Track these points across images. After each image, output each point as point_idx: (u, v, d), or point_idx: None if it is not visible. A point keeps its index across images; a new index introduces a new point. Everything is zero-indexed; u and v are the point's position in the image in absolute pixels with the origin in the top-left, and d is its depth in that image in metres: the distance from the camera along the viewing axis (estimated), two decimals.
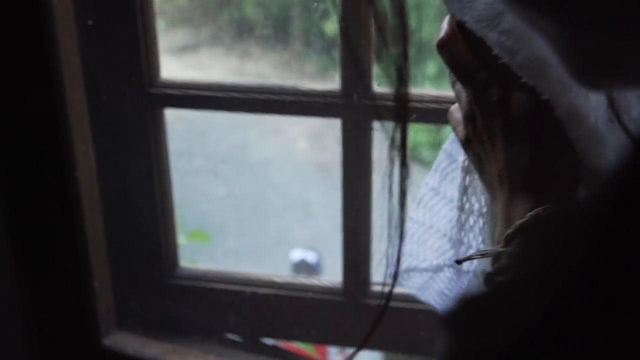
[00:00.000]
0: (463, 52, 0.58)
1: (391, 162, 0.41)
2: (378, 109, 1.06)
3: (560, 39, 0.32)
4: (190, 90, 1.15)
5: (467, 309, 0.32)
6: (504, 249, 0.58)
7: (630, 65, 0.31)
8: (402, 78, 0.40)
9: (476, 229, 0.72)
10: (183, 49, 5.02)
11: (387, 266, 0.51)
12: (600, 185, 0.35)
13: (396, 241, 0.47)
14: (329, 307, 1.19)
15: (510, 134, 0.58)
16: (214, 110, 1.17)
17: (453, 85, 0.65)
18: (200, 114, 1.23)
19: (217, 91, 1.14)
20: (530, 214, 0.56)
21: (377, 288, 1.19)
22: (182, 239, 2.22)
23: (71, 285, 1.20)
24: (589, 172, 0.59)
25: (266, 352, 1.23)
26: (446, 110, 1.06)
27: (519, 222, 0.56)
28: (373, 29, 0.40)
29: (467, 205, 0.71)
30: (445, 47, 0.60)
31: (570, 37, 0.32)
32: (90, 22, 1.12)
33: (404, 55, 0.39)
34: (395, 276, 0.53)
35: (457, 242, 0.74)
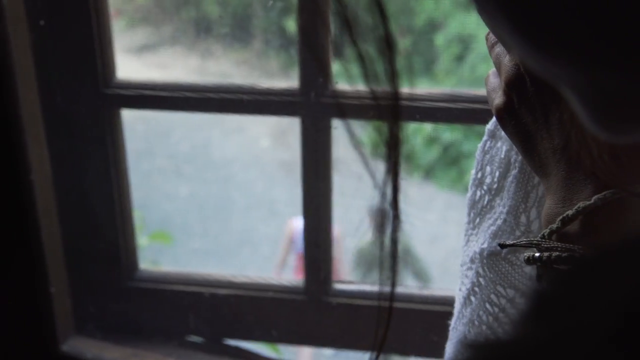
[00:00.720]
0: None
1: (383, 216, 0.38)
2: (340, 109, 1.05)
3: (579, 85, 0.31)
4: (147, 90, 1.14)
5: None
6: (557, 230, 0.54)
7: None
8: (392, 81, 0.36)
9: (479, 206, 0.67)
10: (144, 49, 4.97)
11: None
12: None
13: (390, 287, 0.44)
14: (290, 306, 1.19)
15: (570, 105, 0.54)
16: (171, 111, 1.16)
17: (492, 47, 0.59)
18: (162, 113, 1.21)
19: (173, 91, 1.13)
20: (597, 196, 0.52)
21: (338, 286, 1.19)
22: (144, 241, 2.20)
23: (27, 290, 1.18)
24: None
25: (227, 353, 1.22)
26: (409, 107, 1.06)
27: (582, 204, 0.52)
28: (345, 26, 0.37)
29: (479, 175, 0.67)
30: None
31: (588, 83, 0.30)
32: (42, 22, 1.10)
33: (391, 58, 0.36)
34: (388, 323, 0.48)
35: (470, 223, 0.70)
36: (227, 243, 3.86)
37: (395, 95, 0.37)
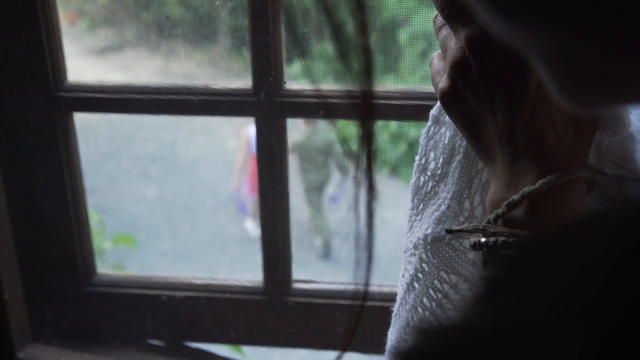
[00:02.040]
0: None
1: (357, 184, 0.38)
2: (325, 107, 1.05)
3: (547, 55, 0.31)
4: (98, 93, 1.13)
5: (433, 349, 0.26)
6: (502, 215, 0.53)
7: (619, 81, 0.30)
8: (365, 76, 0.36)
9: (423, 191, 0.67)
10: (107, 51, 4.93)
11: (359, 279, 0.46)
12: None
13: (365, 262, 0.43)
14: (248, 307, 1.18)
15: (516, 90, 0.53)
16: (123, 113, 1.15)
17: (439, 30, 0.58)
18: (126, 115, 1.20)
19: (125, 93, 1.12)
20: (542, 181, 0.52)
21: (297, 286, 1.19)
22: (107, 245, 2.17)
23: None
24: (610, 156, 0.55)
25: (187, 356, 1.21)
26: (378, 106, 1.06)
27: (527, 188, 0.52)
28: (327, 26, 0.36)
29: (423, 160, 0.66)
30: None
31: (557, 52, 0.30)
32: None
33: (366, 51, 0.35)
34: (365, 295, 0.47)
35: (413, 209, 0.69)
36: (195, 244, 3.84)
37: (370, 92, 0.37)
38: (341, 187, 4.03)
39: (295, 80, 1.09)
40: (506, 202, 0.53)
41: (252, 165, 3.92)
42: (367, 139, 0.38)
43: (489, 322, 0.25)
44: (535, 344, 0.22)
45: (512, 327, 0.24)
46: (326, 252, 3.90)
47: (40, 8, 1.08)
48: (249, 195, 4.11)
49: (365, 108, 0.38)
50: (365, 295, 0.47)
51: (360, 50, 0.36)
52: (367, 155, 0.38)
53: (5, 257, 1.15)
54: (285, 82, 1.01)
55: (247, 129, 4.09)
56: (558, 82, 0.32)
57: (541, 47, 0.31)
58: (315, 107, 1.06)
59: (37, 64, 1.11)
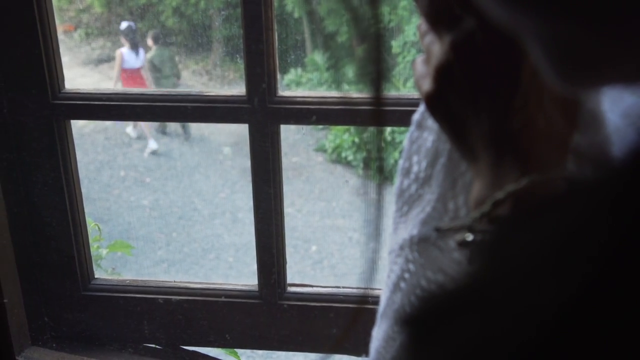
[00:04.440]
0: None
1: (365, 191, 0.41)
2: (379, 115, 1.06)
3: (544, 35, 0.32)
4: (94, 100, 1.15)
5: (434, 312, 0.27)
6: (488, 213, 0.54)
7: (614, 62, 0.31)
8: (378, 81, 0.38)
9: (407, 194, 0.69)
10: (103, 60, 4.98)
11: (364, 275, 0.47)
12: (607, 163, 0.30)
13: (372, 253, 0.45)
14: (243, 310, 1.20)
15: (498, 92, 0.54)
16: (119, 120, 1.17)
17: (423, 36, 0.61)
18: (122, 123, 1.22)
19: (121, 100, 1.14)
20: (525, 179, 0.53)
21: (292, 289, 1.21)
22: (104, 251, 2.18)
23: None
24: (587, 146, 0.58)
25: (183, 359, 1.23)
26: (346, 111, 1.09)
27: (511, 187, 0.53)
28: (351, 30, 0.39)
29: (407, 164, 0.69)
30: None
31: (553, 34, 0.32)
32: None
33: (379, 57, 0.37)
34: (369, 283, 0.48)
35: (397, 212, 0.71)
36: (191, 252, 3.86)
37: (381, 98, 0.39)
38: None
39: (288, 87, 1.12)
40: (491, 201, 0.56)
41: (123, 79, 4.63)
42: (378, 144, 0.40)
43: (485, 278, 0.26)
44: (522, 299, 0.23)
45: (504, 281, 0.25)
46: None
47: (37, 18, 1.11)
48: None
49: (375, 114, 0.40)
50: (366, 298, 0.48)
51: (373, 58, 0.38)
52: (378, 160, 0.40)
53: (4, 261, 1.17)
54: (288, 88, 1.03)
55: (120, 49, 4.91)
56: (555, 63, 0.33)
57: (538, 28, 0.32)
58: (308, 113, 1.09)
59: (35, 72, 1.14)
